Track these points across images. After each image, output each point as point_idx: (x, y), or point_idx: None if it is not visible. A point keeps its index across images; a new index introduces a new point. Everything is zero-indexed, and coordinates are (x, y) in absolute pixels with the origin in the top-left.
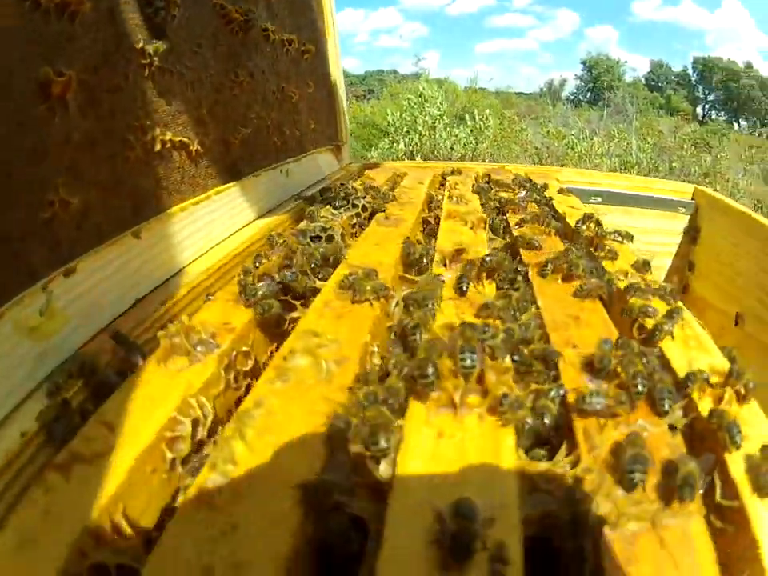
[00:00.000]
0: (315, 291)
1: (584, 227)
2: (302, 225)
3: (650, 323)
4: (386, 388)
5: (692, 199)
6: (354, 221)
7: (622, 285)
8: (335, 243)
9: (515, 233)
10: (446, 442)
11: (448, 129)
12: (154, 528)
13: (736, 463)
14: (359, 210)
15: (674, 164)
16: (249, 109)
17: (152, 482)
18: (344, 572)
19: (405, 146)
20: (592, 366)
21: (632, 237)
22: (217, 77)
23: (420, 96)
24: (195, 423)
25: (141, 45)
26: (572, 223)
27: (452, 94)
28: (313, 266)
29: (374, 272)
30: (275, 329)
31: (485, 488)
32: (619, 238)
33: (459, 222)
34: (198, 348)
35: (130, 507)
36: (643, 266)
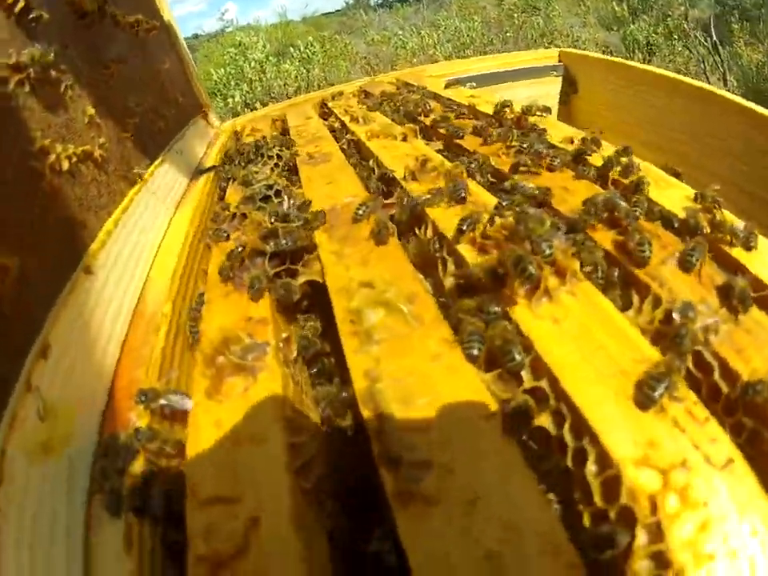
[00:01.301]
0: (306, 249)
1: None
2: (245, 191)
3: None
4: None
5: (559, 62)
6: (278, 170)
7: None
8: (291, 193)
9: (443, 131)
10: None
11: (275, 67)
12: None
13: None
14: (275, 159)
15: (507, 34)
16: (128, 98)
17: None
18: None
19: (240, 97)
20: None
21: (549, 109)
22: (89, 74)
23: (239, 45)
24: (313, 437)
25: (14, 59)
26: (489, 111)
27: (265, 34)
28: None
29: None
30: (291, 304)
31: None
32: (539, 113)
33: (386, 138)
34: (249, 356)
35: None
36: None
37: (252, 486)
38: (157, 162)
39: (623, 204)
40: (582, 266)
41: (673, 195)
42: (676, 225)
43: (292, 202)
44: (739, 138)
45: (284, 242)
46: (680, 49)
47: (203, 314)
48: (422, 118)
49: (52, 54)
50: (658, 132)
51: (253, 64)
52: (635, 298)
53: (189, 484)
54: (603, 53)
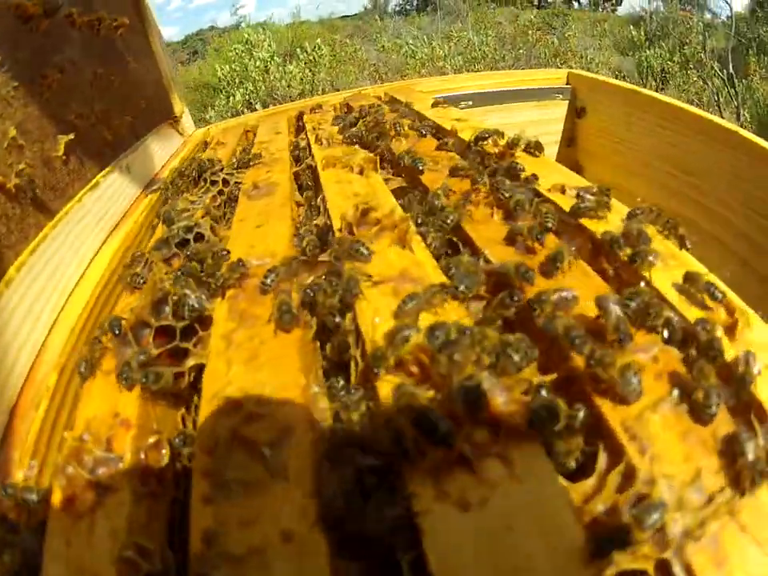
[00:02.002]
0: (202, 322)
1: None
2: (161, 231)
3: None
4: None
5: (567, 84)
6: (219, 200)
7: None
8: (208, 243)
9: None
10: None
11: (281, 68)
12: None
13: None
14: (220, 186)
15: (519, 51)
16: (66, 111)
17: None
18: None
19: (241, 96)
20: None
21: (541, 146)
22: (22, 87)
23: (247, 43)
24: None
25: None
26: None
27: (277, 33)
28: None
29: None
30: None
31: None
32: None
33: (343, 168)
34: (99, 471)
35: None
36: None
37: None
38: (91, 185)
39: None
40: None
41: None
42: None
43: (210, 251)
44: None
45: (173, 314)
46: (695, 79)
47: (83, 392)
48: (392, 142)
49: None
50: (669, 171)
51: (257, 63)
52: (601, 459)
53: None
54: (616, 77)
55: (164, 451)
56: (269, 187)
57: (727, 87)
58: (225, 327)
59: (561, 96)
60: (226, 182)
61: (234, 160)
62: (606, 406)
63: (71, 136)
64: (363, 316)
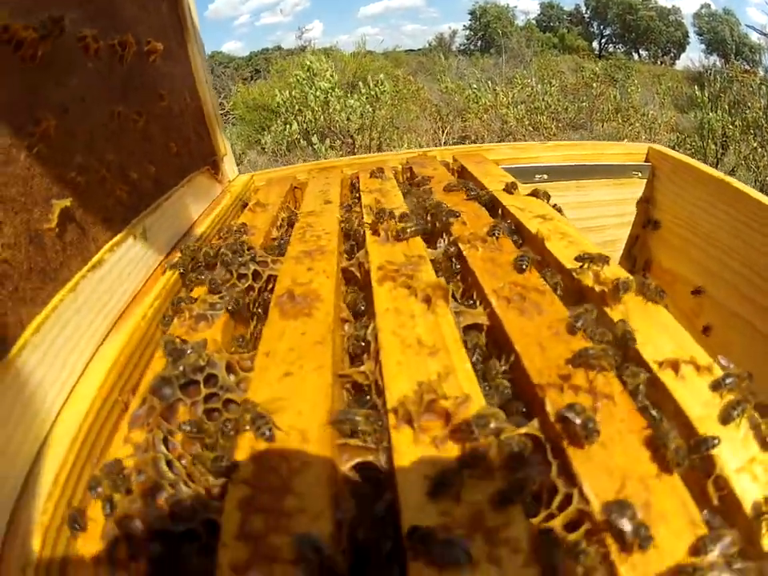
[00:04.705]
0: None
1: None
2: (164, 369)
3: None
4: None
5: (646, 161)
6: (245, 299)
7: None
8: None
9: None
10: None
11: (341, 100)
12: None
13: None
14: (249, 280)
15: (582, 103)
16: (65, 166)
17: None
18: None
19: (298, 124)
20: None
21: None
22: (2, 139)
23: (308, 70)
24: None
25: None
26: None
27: (341, 62)
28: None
29: None
30: None
31: None
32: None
33: (401, 287)
34: None
35: None
36: None
37: None
38: (93, 262)
39: None
40: None
41: None
42: None
43: (224, 414)
44: None
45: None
46: (755, 146)
47: None
48: (464, 250)
49: None
50: (741, 273)
51: (318, 93)
52: None
53: None
54: (678, 139)
55: None
56: (308, 300)
57: None
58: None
59: (639, 174)
60: (256, 275)
61: (273, 236)
62: None
63: (68, 201)
64: None
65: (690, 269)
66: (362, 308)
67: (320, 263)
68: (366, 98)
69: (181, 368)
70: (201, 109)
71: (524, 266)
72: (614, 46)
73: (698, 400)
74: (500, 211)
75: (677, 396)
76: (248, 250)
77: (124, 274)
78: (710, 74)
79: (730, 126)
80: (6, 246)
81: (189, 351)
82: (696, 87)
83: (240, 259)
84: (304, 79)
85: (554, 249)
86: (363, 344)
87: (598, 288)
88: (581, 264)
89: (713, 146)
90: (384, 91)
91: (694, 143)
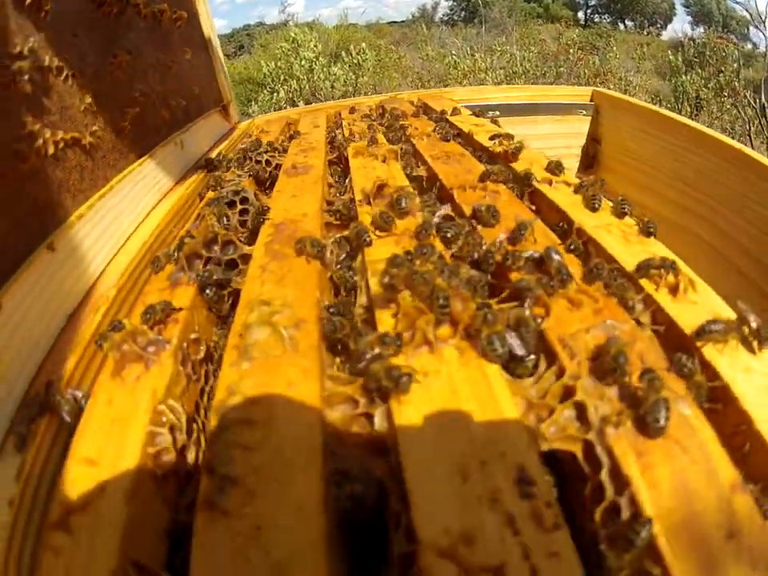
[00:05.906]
0: (246, 258)
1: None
2: (212, 194)
3: None
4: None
5: (591, 101)
6: (261, 175)
7: None
8: (252, 204)
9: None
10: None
11: (325, 69)
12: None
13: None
14: (263, 165)
15: (560, 68)
16: (132, 88)
17: (154, 507)
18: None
19: (285, 93)
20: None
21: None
22: (96, 63)
23: (293, 42)
24: (172, 430)
25: (18, 48)
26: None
27: (324, 34)
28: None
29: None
30: (216, 307)
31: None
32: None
33: (369, 157)
34: (150, 349)
35: (139, 547)
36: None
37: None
38: (150, 153)
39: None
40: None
41: None
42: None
43: (252, 210)
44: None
45: (221, 250)
46: (728, 107)
47: (139, 305)
48: (416, 143)
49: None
50: (685, 191)
51: (303, 62)
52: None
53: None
54: (653, 100)
55: (202, 347)
56: (305, 168)
57: (759, 117)
58: (260, 262)
59: (584, 112)
60: (268, 162)
61: (277, 145)
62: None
63: (136, 110)
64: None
65: (629, 188)
66: (343, 175)
67: (313, 153)
68: (349, 66)
69: (224, 192)
70: (212, 64)
71: (448, 138)
72: (600, 17)
73: (564, 196)
74: (446, 122)
75: (552, 197)
76: (260, 147)
77: (170, 164)
78: (688, 40)
79: (704, 89)
80: (100, 128)
81: (230, 183)
82: (669, 52)
83: (258, 150)
84: (289, 50)
85: (479, 138)
86: (345, 187)
87: (503, 154)
88: (494, 141)
89: (688, 108)
90: (366, 59)
91: (669, 106)
